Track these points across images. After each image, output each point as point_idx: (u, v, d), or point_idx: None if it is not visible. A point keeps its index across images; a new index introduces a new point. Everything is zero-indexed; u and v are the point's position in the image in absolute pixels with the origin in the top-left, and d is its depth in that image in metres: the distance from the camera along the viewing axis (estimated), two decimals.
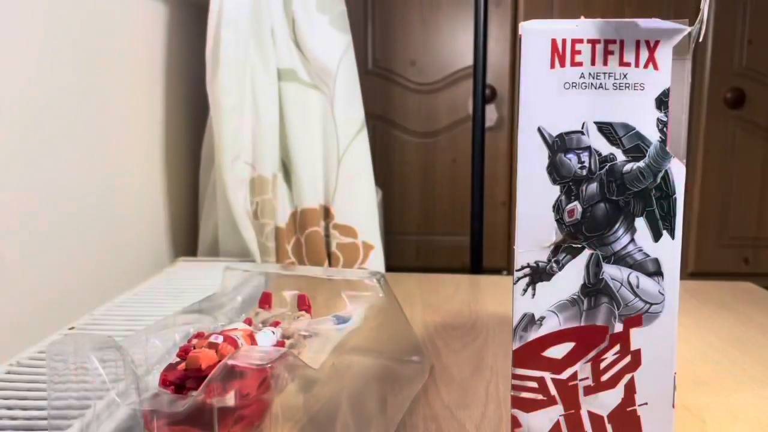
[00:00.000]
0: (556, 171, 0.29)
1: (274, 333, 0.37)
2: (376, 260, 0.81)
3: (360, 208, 0.81)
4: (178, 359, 0.33)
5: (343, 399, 0.34)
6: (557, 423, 0.30)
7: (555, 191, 0.29)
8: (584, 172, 0.29)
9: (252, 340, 0.35)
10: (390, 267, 0.92)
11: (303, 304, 0.43)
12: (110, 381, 0.30)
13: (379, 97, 1.92)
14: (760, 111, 1.86)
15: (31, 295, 0.54)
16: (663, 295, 0.29)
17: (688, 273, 1.92)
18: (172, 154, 0.84)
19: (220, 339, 0.32)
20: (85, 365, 0.29)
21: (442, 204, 1.96)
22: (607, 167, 0.29)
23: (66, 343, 0.30)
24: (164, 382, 0.31)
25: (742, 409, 0.43)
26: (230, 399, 0.28)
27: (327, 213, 0.81)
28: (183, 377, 0.31)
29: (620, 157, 0.28)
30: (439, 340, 0.56)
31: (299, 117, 0.79)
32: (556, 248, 0.29)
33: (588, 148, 0.29)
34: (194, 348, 0.32)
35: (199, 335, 0.35)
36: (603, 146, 0.28)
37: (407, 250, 1.98)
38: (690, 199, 1.91)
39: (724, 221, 1.91)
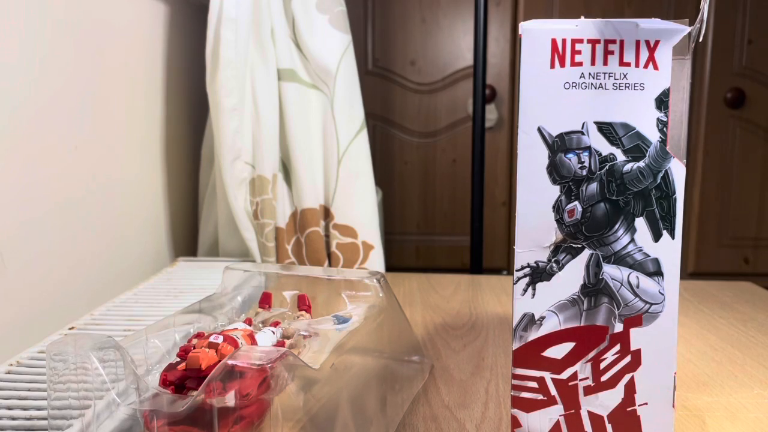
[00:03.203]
0: (556, 171, 0.29)
1: (274, 333, 0.37)
2: (376, 260, 0.81)
3: (360, 208, 0.81)
4: (178, 359, 0.33)
5: (343, 399, 0.34)
6: (557, 423, 0.30)
7: (555, 191, 0.29)
8: (584, 172, 0.29)
9: (252, 340, 0.35)
10: (390, 267, 0.92)
11: (303, 304, 0.43)
12: (110, 381, 0.30)
13: (379, 97, 1.92)
14: (760, 111, 1.86)
15: (31, 295, 0.54)
16: (663, 295, 0.29)
17: (688, 273, 1.92)
18: (172, 154, 0.84)
19: (220, 339, 0.32)
20: (85, 365, 0.29)
21: (442, 204, 1.96)
22: (607, 167, 0.29)
23: (66, 343, 0.30)
24: (164, 382, 0.31)
25: (742, 409, 0.43)
26: (230, 399, 0.28)
27: (327, 213, 0.81)
28: (183, 377, 0.31)
29: (620, 157, 0.28)
30: (439, 340, 0.56)
31: (299, 117, 0.79)
32: (556, 248, 0.29)
33: (588, 148, 0.29)
34: (194, 348, 0.32)
35: (199, 335, 0.35)
36: (603, 146, 0.28)
37: (407, 250, 1.98)
38: (690, 199, 1.92)
39: (724, 221, 1.91)
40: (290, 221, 0.81)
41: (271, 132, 0.78)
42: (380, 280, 0.42)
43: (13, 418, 0.37)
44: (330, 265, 0.81)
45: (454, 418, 0.41)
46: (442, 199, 1.96)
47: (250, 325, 0.39)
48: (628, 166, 0.28)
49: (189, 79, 0.89)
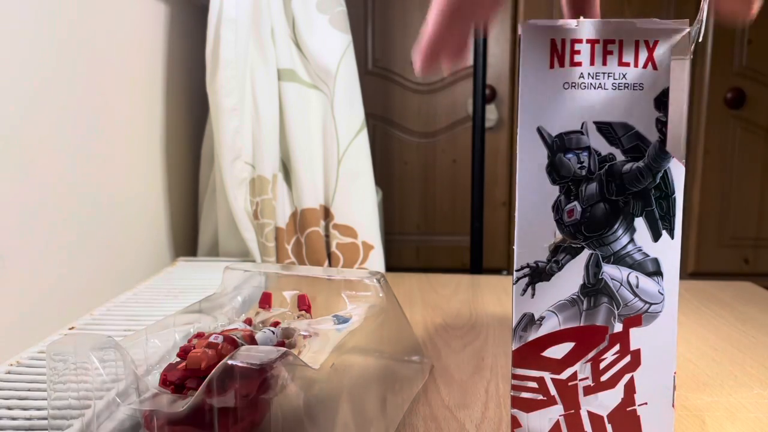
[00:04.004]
0: (555, 171, 0.29)
1: (274, 333, 0.37)
2: (376, 260, 0.81)
3: (360, 208, 0.81)
4: (178, 359, 0.33)
5: (343, 399, 0.34)
6: (557, 423, 0.30)
7: (554, 191, 0.29)
8: (584, 172, 0.29)
9: (252, 340, 0.35)
10: (390, 267, 0.92)
11: (303, 304, 0.43)
12: (110, 381, 0.30)
13: (379, 97, 1.92)
14: (760, 111, 1.86)
15: (31, 295, 0.54)
16: (662, 294, 0.29)
17: (688, 273, 1.92)
18: (172, 155, 0.84)
19: (220, 339, 0.32)
20: (85, 365, 0.29)
21: (442, 204, 1.96)
22: (606, 167, 0.29)
23: (66, 343, 0.30)
24: (164, 382, 0.31)
25: (742, 409, 0.43)
26: (230, 399, 0.28)
27: (327, 213, 0.81)
28: (183, 377, 0.31)
29: (619, 157, 0.28)
30: (439, 340, 0.56)
31: (299, 117, 0.79)
32: (556, 248, 0.29)
33: (587, 148, 0.28)
34: (194, 348, 0.32)
35: (199, 335, 0.35)
36: (602, 146, 0.28)
37: (407, 250, 1.98)
38: (690, 199, 1.92)
39: (724, 221, 1.91)
40: (290, 221, 0.81)
41: (271, 132, 0.78)
42: (380, 280, 0.42)
43: (13, 418, 0.37)
44: (330, 265, 0.81)
45: (454, 418, 0.41)
46: (442, 199, 1.96)
47: (250, 325, 0.39)
48: (627, 166, 0.28)
49: (189, 79, 0.89)
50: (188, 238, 0.91)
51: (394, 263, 1.90)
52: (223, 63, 0.74)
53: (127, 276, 0.71)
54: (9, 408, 0.38)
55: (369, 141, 0.83)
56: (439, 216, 1.97)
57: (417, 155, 1.95)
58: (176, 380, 0.31)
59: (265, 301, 0.43)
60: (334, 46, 0.78)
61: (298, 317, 0.41)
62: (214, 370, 0.28)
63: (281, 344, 0.37)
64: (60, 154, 0.58)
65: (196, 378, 0.31)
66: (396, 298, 0.44)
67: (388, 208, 1.95)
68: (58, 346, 0.30)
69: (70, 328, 0.53)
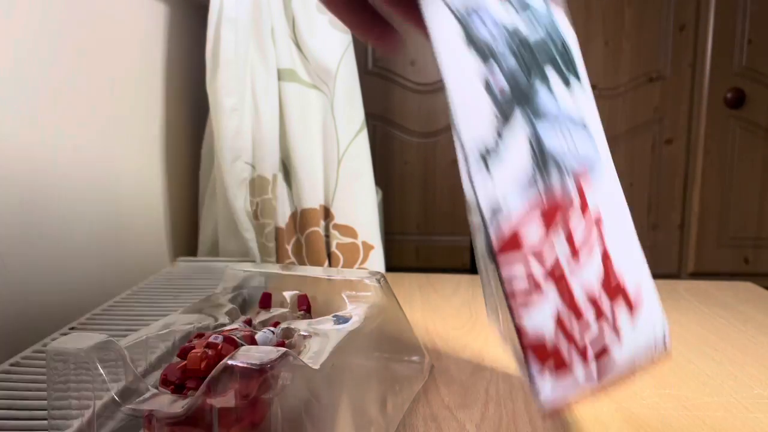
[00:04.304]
0: (471, 41, 0.28)
1: (274, 333, 0.37)
2: (376, 260, 0.81)
3: (360, 208, 0.81)
4: (178, 359, 0.33)
5: (343, 399, 0.34)
6: (559, 317, 0.28)
7: (479, 65, 0.28)
8: (493, 38, 0.29)
9: (252, 340, 0.35)
10: (390, 267, 0.92)
11: (303, 304, 0.43)
12: (110, 381, 0.30)
13: (379, 97, 1.92)
14: (760, 111, 1.86)
15: (31, 295, 0.54)
16: (594, 142, 0.29)
17: (689, 273, 1.92)
18: (172, 155, 0.84)
19: (220, 339, 0.32)
20: (86, 365, 0.29)
21: (442, 204, 1.96)
22: (509, 28, 0.29)
23: (66, 343, 0.30)
24: (164, 382, 0.31)
25: (742, 409, 0.43)
26: (230, 399, 0.28)
27: (327, 213, 0.81)
28: (183, 377, 0.31)
29: (515, 17, 0.29)
30: (439, 340, 0.56)
31: (299, 117, 0.79)
32: (495, 121, 0.28)
33: (488, 13, 0.29)
34: (194, 348, 0.32)
35: (199, 335, 0.35)
36: (501, 12, 0.29)
37: (407, 250, 1.99)
38: (690, 199, 1.92)
39: (724, 221, 1.91)
40: (290, 221, 0.81)
41: (271, 132, 0.78)
42: (380, 280, 0.42)
43: (14, 418, 0.37)
44: (330, 265, 0.81)
45: (454, 418, 0.41)
46: (442, 199, 1.96)
47: (250, 325, 0.39)
48: (523, 26, 0.29)
49: (189, 79, 0.89)
50: (188, 238, 0.91)
51: (394, 263, 1.90)
52: (223, 63, 0.74)
53: (127, 276, 0.71)
54: (9, 408, 0.38)
55: (369, 141, 0.83)
56: (439, 216, 1.97)
57: (417, 155, 1.95)
58: (176, 380, 0.31)
59: (265, 301, 0.43)
60: (334, 46, 0.78)
61: (298, 317, 0.41)
62: (214, 370, 0.28)
63: (281, 344, 0.37)
64: (60, 154, 0.58)
65: (196, 378, 0.31)
66: (396, 298, 0.44)
67: (388, 208, 1.95)
68: (58, 346, 0.30)
69: (70, 328, 0.53)
